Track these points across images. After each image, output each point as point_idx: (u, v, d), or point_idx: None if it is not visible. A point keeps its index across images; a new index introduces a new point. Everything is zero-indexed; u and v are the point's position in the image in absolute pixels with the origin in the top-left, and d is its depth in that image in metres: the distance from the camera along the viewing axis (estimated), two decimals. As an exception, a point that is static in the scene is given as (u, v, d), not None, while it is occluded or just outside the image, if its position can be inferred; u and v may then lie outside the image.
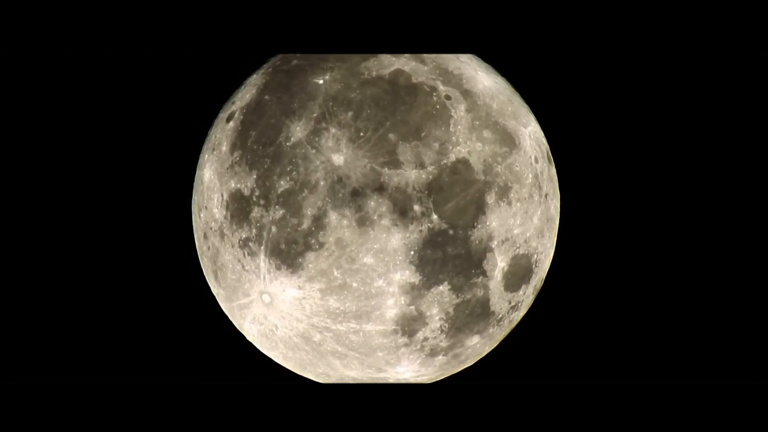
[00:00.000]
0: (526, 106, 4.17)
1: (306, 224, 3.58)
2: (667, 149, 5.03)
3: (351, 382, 4.06)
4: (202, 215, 4.04)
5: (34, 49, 4.45)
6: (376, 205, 3.54)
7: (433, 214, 3.58)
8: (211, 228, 3.95)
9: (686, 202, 5.01)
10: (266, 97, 3.85)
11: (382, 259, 3.59)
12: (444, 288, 3.69)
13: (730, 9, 4.40)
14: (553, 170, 4.22)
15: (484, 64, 4.12)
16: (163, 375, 4.81)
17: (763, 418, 4.31)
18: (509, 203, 3.78)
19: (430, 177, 3.58)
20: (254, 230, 3.70)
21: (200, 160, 4.18)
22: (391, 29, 4.22)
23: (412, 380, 4.10)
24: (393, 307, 3.68)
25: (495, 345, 4.25)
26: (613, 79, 4.95)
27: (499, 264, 3.79)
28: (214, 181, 3.94)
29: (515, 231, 3.83)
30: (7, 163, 4.79)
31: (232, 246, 3.82)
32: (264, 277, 3.75)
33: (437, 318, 3.77)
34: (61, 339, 4.87)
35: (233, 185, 3.79)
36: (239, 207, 3.76)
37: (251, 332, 4.09)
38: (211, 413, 4.38)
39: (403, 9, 4.26)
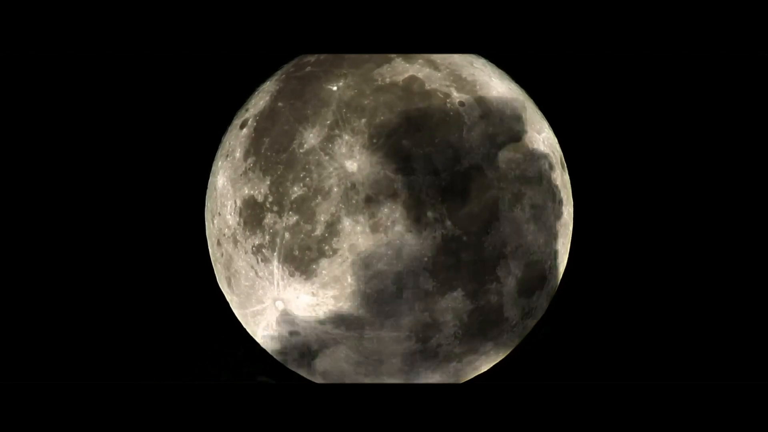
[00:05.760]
0: (539, 112, 4.16)
1: (319, 230, 3.58)
2: (677, 151, 5.02)
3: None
4: (215, 222, 4.05)
5: (44, 51, 4.47)
6: (389, 211, 3.54)
7: (447, 220, 3.57)
8: (224, 234, 3.96)
9: (698, 205, 5.00)
10: (280, 103, 3.86)
11: (396, 265, 3.58)
12: (458, 294, 3.68)
13: (730, 9, 4.40)
14: (567, 177, 4.21)
15: (498, 70, 4.12)
16: (175, 379, 4.83)
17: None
18: (523, 209, 3.77)
19: (444, 183, 3.57)
20: (267, 237, 3.70)
21: (213, 167, 4.19)
22: (403, 30, 4.23)
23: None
24: (407, 313, 3.67)
25: (508, 351, 4.24)
26: (624, 85, 4.95)
27: (512, 270, 3.78)
28: (227, 188, 3.94)
29: (529, 237, 3.81)
30: (17, 168, 4.83)
31: (246, 252, 3.82)
32: (277, 284, 3.75)
33: (451, 324, 3.76)
34: (74, 344, 4.89)
35: (247, 192, 3.80)
36: (252, 213, 3.76)
37: (264, 339, 4.09)
38: (224, 418, 4.37)
39: (416, 10, 4.27)
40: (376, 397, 4.10)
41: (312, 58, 4.01)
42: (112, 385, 4.47)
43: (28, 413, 4.31)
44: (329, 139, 3.62)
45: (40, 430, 4.27)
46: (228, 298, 4.20)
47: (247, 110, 4.06)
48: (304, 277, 3.66)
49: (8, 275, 4.80)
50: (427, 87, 3.73)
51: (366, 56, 3.85)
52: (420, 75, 3.76)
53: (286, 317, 3.78)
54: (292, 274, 3.68)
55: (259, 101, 4.01)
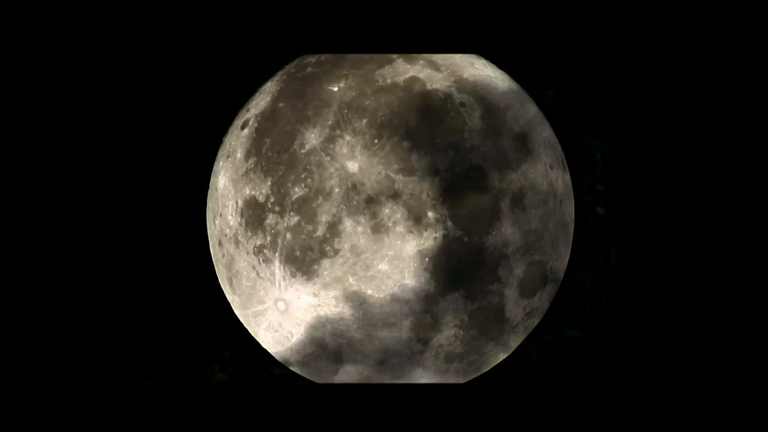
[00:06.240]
0: (540, 113, 4.16)
1: (321, 231, 3.59)
2: (677, 150, 5.02)
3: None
4: (216, 222, 4.05)
5: (44, 51, 4.47)
6: (390, 212, 3.55)
7: (448, 221, 3.57)
8: (225, 235, 3.96)
9: (699, 205, 5.00)
10: (281, 104, 3.86)
11: (397, 266, 3.58)
12: (459, 295, 3.68)
13: (729, 9, 4.40)
14: (568, 177, 4.21)
15: (498, 71, 4.13)
16: (175, 379, 4.83)
17: None
18: (524, 210, 3.78)
19: (445, 184, 3.57)
20: (269, 237, 3.71)
21: (215, 168, 4.19)
22: (404, 31, 4.22)
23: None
24: (408, 314, 3.67)
25: (510, 352, 4.24)
26: (624, 85, 4.95)
27: (514, 271, 3.78)
28: (228, 189, 3.95)
29: (530, 238, 3.82)
30: (19, 169, 4.82)
31: (247, 253, 3.82)
32: (279, 285, 3.75)
33: (452, 325, 3.76)
34: (74, 344, 4.89)
35: (248, 192, 3.80)
36: (254, 214, 3.77)
37: (266, 339, 4.09)
38: (224, 418, 4.38)
39: (417, 11, 4.27)
40: (376, 397, 4.11)
41: (313, 58, 4.02)
42: (112, 385, 4.47)
43: (28, 413, 4.32)
44: (330, 139, 3.63)
45: (40, 430, 4.27)
46: (229, 298, 4.20)
47: (248, 111, 4.06)
48: (306, 277, 3.66)
49: (10, 276, 4.80)
50: (428, 87, 3.73)
51: (367, 57, 3.86)
52: (421, 75, 3.76)
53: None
54: (293, 275, 3.68)
55: (260, 102, 4.01)
